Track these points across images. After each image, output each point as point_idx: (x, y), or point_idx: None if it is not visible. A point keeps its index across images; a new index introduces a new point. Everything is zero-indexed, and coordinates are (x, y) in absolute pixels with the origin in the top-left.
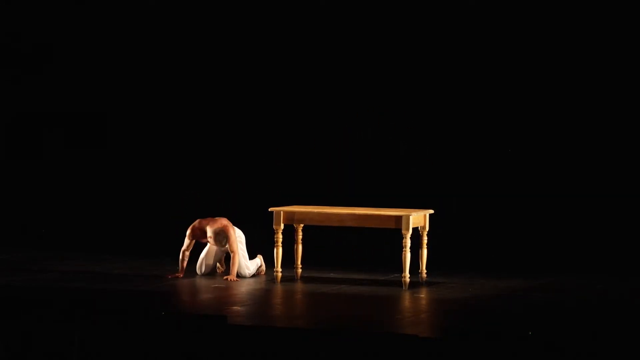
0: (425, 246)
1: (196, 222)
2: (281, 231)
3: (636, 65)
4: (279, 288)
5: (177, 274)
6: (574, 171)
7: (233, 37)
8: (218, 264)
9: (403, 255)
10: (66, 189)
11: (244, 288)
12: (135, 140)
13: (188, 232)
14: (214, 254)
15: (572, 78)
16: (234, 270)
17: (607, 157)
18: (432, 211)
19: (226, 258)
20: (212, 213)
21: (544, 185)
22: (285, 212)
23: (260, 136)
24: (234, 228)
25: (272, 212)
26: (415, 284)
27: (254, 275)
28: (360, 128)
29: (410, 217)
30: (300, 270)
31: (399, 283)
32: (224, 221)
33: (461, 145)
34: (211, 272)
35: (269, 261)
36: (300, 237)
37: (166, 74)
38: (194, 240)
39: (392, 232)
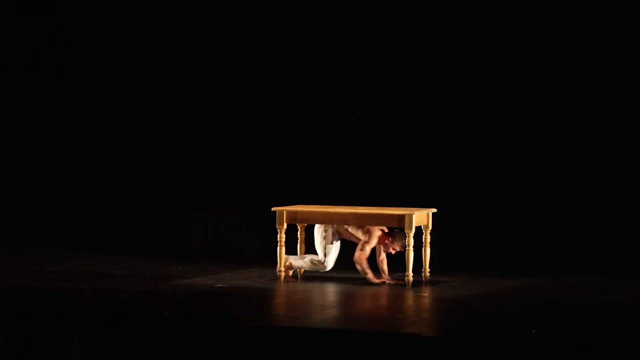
0: (428, 245)
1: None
2: (284, 230)
3: (636, 65)
4: (281, 287)
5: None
6: (574, 172)
7: (235, 37)
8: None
9: (406, 254)
10: (67, 188)
11: (246, 287)
12: (139, 139)
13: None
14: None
15: (571, 79)
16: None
17: (606, 158)
18: (435, 210)
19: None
20: (215, 213)
21: (546, 185)
22: (288, 212)
23: (262, 136)
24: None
25: (274, 211)
26: (418, 282)
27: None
28: (362, 127)
29: (413, 216)
30: (302, 270)
31: (402, 282)
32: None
33: (464, 145)
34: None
35: (272, 261)
36: (303, 236)
37: (170, 73)
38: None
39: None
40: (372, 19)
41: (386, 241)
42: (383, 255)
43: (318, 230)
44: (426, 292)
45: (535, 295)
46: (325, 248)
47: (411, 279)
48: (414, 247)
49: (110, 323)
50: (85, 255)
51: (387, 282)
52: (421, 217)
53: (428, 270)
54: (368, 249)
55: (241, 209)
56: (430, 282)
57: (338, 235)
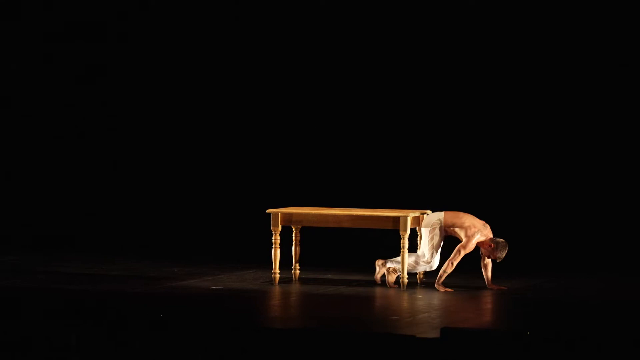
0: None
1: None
2: (279, 233)
3: (636, 66)
4: (276, 289)
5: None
6: (572, 171)
7: (230, 40)
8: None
9: (401, 256)
10: (62, 189)
11: (241, 290)
12: (135, 140)
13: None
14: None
15: (568, 80)
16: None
17: (605, 157)
18: (429, 212)
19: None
20: (210, 215)
21: (541, 185)
22: (283, 214)
23: (257, 137)
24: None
25: (269, 213)
26: (413, 284)
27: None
28: (357, 129)
29: (408, 217)
30: (297, 272)
31: (397, 284)
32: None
33: (459, 146)
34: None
35: (267, 263)
36: (297, 238)
37: (165, 75)
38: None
39: (390, 233)
40: (367, 22)
41: (489, 247)
42: (488, 261)
43: (427, 230)
44: (421, 294)
45: (531, 295)
46: (434, 247)
47: (406, 281)
48: (408, 249)
49: (105, 325)
50: (80, 257)
51: (489, 287)
52: (416, 219)
53: (422, 272)
54: (462, 253)
55: (236, 210)
56: (426, 284)
57: (445, 233)
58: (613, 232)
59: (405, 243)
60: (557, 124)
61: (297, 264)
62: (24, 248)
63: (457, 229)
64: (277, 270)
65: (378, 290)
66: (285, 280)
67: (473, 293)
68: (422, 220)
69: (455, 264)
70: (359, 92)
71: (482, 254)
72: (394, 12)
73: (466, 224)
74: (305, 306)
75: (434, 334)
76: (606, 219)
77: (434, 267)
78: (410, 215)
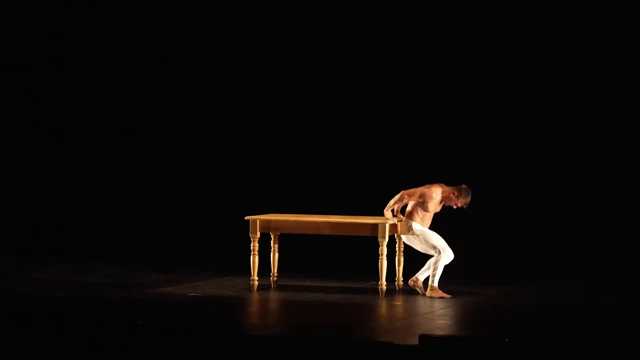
0: (401, 254)
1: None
2: (257, 239)
3: (636, 66)
4: (254, 296)
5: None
6: (555, 176)
7: (214, 47)
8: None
9: (379, 263)
10: (43, 195)
11: (220, 297)
12: (114, 148)
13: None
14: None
15: (566, 80)
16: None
17: (592, 161)
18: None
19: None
20: (189, 221)
21: (516, 193)
22: (262, 221)
23: (236, 145)
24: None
25: (248, 220)
26: (392, 291)
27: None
28: (335, 137)
29: (387, 224)
30: (276, 279)
31: (376, 291)
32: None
33: (437, 153)
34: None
35: (245, 269)
36: (276, 245)
37: (150, 80)
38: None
39: (369, 240)
40: (355, 27)
41: (451, 195)
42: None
43: (408, 238)
44: (399, 301)
45: (510, 301)
46: (430, 241)
47: (384, 287)
48: (387, 255)
49: (83, 331)
50: (60, 263)
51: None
52: (394, 226)
53: (401, 279)
54: (408, 198)
55: (215, 217)
56: (404, 291)
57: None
58: (595, 236)
59: (384, 250)
60: (542, 127)
61: (276, 271)
62: (7, 252)
63: (418, 199)
64: (256, 277)
65: (357, 297)
66: (264, 287)
67: (452, 300)
68: (400, 230)
69: (401, 199)
70: (337, 100)
71: (449, 205)
72: (381, 14)
73: (419, 191)
74: (283, 313)
75: (413, 340)
76: (589, 223)
77: (450, 254)
78: (389, 222)
